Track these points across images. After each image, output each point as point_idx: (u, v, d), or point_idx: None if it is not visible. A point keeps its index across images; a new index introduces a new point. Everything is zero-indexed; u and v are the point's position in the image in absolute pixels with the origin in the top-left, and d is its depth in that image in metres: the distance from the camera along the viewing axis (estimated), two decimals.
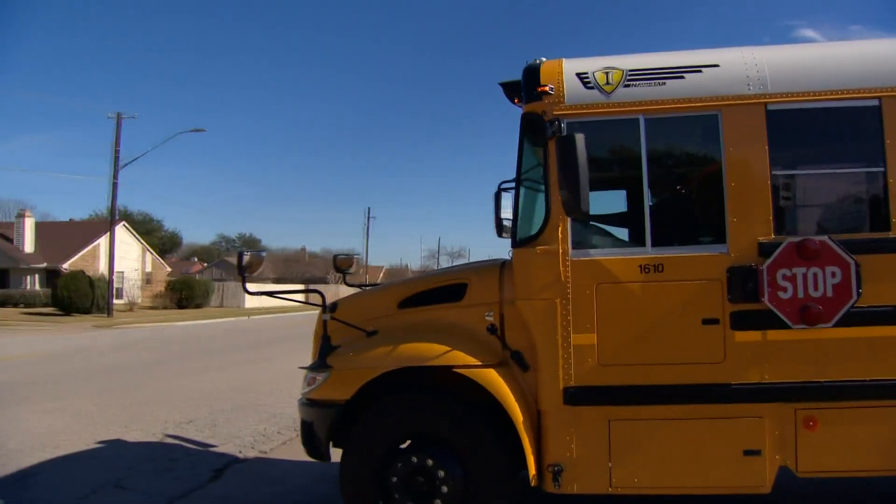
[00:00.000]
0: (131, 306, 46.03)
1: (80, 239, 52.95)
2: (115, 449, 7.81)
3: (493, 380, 4.50)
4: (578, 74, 4.61)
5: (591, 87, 4.57)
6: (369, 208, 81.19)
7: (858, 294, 4.19)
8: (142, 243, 58.74)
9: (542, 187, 4.64)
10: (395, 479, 4.58)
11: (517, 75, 4.83)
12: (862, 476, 4.79)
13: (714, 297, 4.38)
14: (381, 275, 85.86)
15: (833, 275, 4.21)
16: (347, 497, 4.73)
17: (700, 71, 4.54)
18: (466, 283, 4.97)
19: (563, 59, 4.75)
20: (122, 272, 49.82)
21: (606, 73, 4.59)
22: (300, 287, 40.02)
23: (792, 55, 4.66)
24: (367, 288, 5.99)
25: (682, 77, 4.53)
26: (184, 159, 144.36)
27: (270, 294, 5.56)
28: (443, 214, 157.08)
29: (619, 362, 4.46)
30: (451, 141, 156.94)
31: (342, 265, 6.40)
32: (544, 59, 4.76)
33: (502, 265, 4.96)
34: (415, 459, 4.57)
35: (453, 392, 4.70)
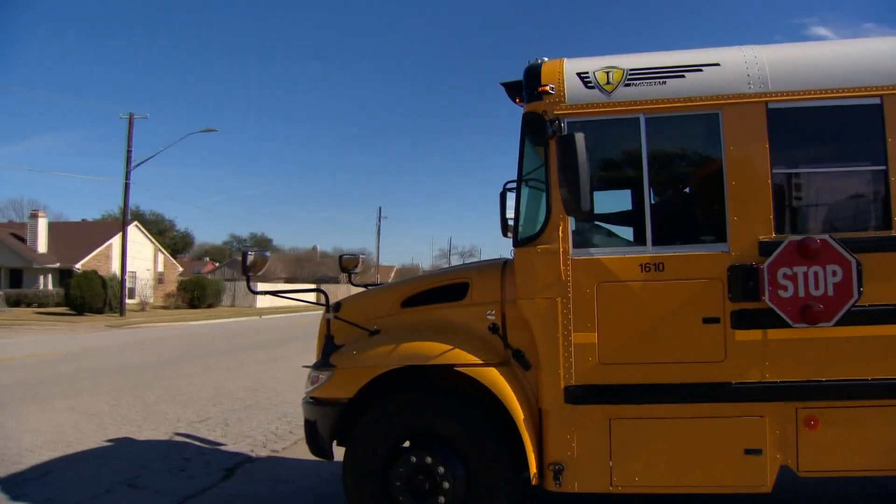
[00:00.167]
0: (143, 306, 46.33)
1: (93, 239, 53.41)
2: (127, 448, 7.87)
3: (495, 379, 4.52)
4: (579, 74, 4.62)
5: (592, 87, 4.58)
6: (381, 208, 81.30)
7: (860, 293, 4.18)
8: (154, 243, 59.13)
9: (544, 187, 4.66)
10: (396, 478, 4.61)
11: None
12: (863, 476, 4.78)
13: (715, 296, 4.38)
14: (393, 274, 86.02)
15: (834, 274, 4.20)
16: (350, 496, 4.77)
17: (701, 70, 4.53)
18: (468, 283, 4.99)
19: (565, 59, 4.76)
20: (135, 272, 50.21)
21: (607, 73, 4.60)
22: (310, 287, 40.26)
23: (792, 53, 4.64)
24: (372, 287, 6.02)
25: (683, 76, 4.53)
26: (196, 159, 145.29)
27: (274, 293, 5.60)
28: (454, 214, 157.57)
29: (619, 361, 4.46)
30: (462, 140, 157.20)
31: (347, 265, 6.45)
32: (546, 59, 4.78)
33: (504, 264, 4.98)
34: (414, 459, 4.60)
35: (455, 391, 4.73)
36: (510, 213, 5.75)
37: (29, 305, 44.44)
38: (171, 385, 12.62)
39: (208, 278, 58.36)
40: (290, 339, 23.45)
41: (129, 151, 38.93)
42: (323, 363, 4.89)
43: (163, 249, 61.45)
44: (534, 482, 4.53)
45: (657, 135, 4.58)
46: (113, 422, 9.27)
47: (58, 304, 43.18)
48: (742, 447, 4.36)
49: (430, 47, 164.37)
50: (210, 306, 51.74)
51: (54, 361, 16.66)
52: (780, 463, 4.37)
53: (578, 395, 4.47)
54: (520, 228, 4.82)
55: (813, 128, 4.61)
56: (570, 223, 4.55)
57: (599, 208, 4.81)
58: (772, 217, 4.37)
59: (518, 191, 4.80)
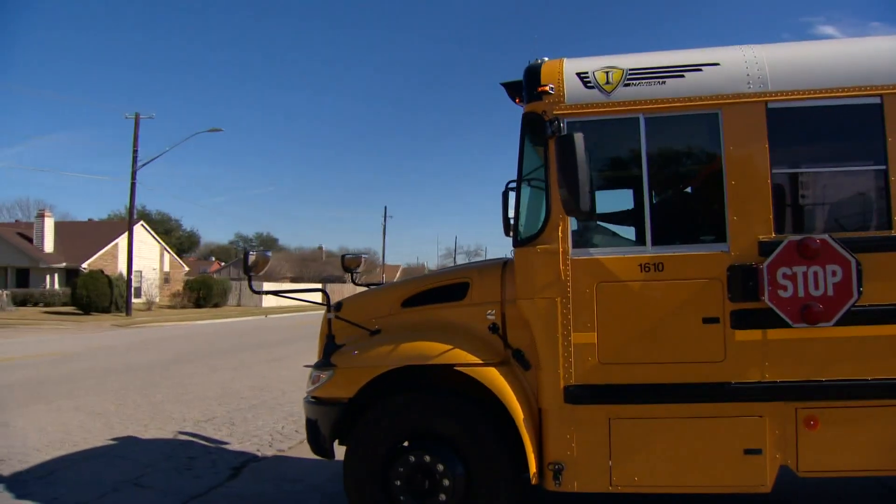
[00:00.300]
0: (150, 305, 46.53)
1: (99, 238, 53.64)
2: (133, 447, 7.90)
3: (495, 378, 4.52)
4: (579, 74, 4.63)
5: (592, 87, 4.58)
6: (386, 207, 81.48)
7: (859, 293, 4.17)
8: (160, 243, 59.34)
9: (544, 187, 4.66)
10: (396, 477, 4.63)
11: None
12: (863, 476, 4.77)
13: (714, 295, 4.37)
14: (398, 273, 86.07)
15: (834, 273, 4.19)
16: (351, 496, 4.78)
17: (700, 69, 4.53)
18: (468, 283, 5.00)
19: (564, 59, 4.76)
20: (141, 272, 50.40)
21: (607, 73, 4.60)
22: (312, 287, 40.27)
23: (792, 53, 4.63)
24: (373, 287, 6.04)
25: (683, 76, 4.52)
26: (202, 159, 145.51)
27: (276, 293, 5.62)
28: (460, 213, 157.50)
29: (619, 361, 4.47)
30: (468, 139, 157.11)
31: (350, 264, 6.48)
32: (546, 59, 4.78)
33: (504, 264, 4.98)
34: (412, 458, 4.61)
35: (455, 391, 4.74)
36: (512, 213, 5.76)
37: (35, 305, 44.66)
38: (177, 384, 12.68)
39: (214, 278, 58.59)
40: (296, 339, 23.49)
41: (135, 151, 39.17)
42: (324, 363, 4.90)
43: (169, 249, 61.64)
44: (533, 482, 4.54)
45: (657, 135, 4.58)
46: (119, 421, 9.31)
47: (64, 304, 43.38)
48: (742, 447, 4.36)
49: (436, 45, 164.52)
50: (216, 306, 51.90)
51: (60, 361, 16.75)
52: (779, 463, 4.37)
53: (578, 394, 4.47)
54: (520, 228, 4.81)
55: (813, 127, 4.60)
56: (570, 223, 4.55)
57: (599, 208, 4.81)
58: (771, 217, 4.36)
59: (518, 191, 4.80)
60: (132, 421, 9.32)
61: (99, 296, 39.49)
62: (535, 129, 4.65)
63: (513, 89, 5.15)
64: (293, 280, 75.82)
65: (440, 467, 4.56)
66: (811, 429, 4.33)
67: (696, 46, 4.82)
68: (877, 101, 4.35)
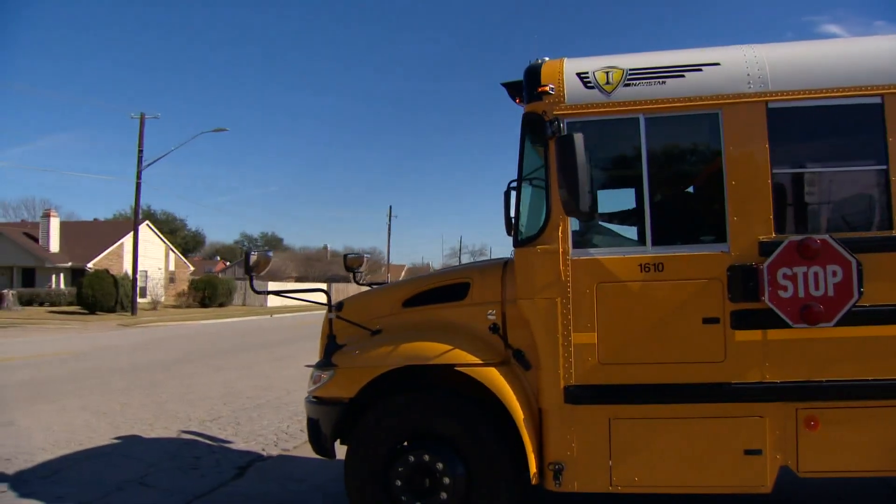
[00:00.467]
0: (155, 305, 46.66)
1: (105, 238, 53.85)
2: (138, 446, 7.93)
3: (495, 378, 4.53)
4: (579, 74, 4.63)
5: (592, 87, 4.58)
6: (391, 207, 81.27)
7: (860, 293, 4.15)
8: (165, 243, 59.51)
9: (544, 187, 4.67)
10: (397, 477, 4.64)
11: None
12: (864, 476, 4.76)
13: (714, 296, 4.37)
14: (403, 273, 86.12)
15: (834, 274, 4.18)
16: (352, 495, 4.80)
17: (700, 69, 4.52)
18: (469, 283, 5.01)
19: (565, 59, 4.76)
20: (146, 271, 50.55)
21: (607, 73, 4.60)
22: (314, 287, 40.28)
23: (793, 53, 4.62)
24: (375, 287, 6.05)
25: (683, 76, 4.52)
26: (207, 159, 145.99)
27: (278, 293, 5.63)
28: (465, 212, 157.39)
29: (619, 361, 4.47)
30: (473, 139, 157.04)
31: (352, 264, 6.52)
32: (546, 59, 4.78)
33: (505, 264, 4.99)
34: (412, 458, 4.62)
35: (456, 391, 4.75)
36: (513, 213, 5.76)
37: (41, 304, 44.85)
38: (182, 384, 12.72)
39: (219, 277, 58.70)
40: (300, 338, 23.51)
41: (140, 151, 39.22)
42: (325, 363, 4.92)
43: (174, 249, 61.84)
44: (534, 482, 4.55)
45: (657, 135, 4.58)
46: (124, 420, 9.35)
47: (70, 304, 43.55)
48: (742, 447, 4.35)
49: (440, 44, 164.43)
50: (221, 305, 52.02)
51: (66, 360, 16.82)
52: (780, 463, 4.36)
53: (578, 395, 4.47)
54: (521, 228, 4.82)
55: (813, 127, 4.59)
56: (570, 223, 4.55)
57: (600, 209, 4.83)
58: (772, 217, 4.35)
59: (518, 191, 4.81)
60: (137, 420, 9.35)
61: (104, 295, 39.62)
62: (535, 130, 4.66)
63: (513, 89, 5.15)
64: (298, 280, 75.92)
65: (440, 467, 4.56)
66: (811, 429, 4.32)
67: (698, 46, 4.82)
68: (877, 100, 4.34)
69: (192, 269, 65.92)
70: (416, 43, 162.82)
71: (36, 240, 51.50)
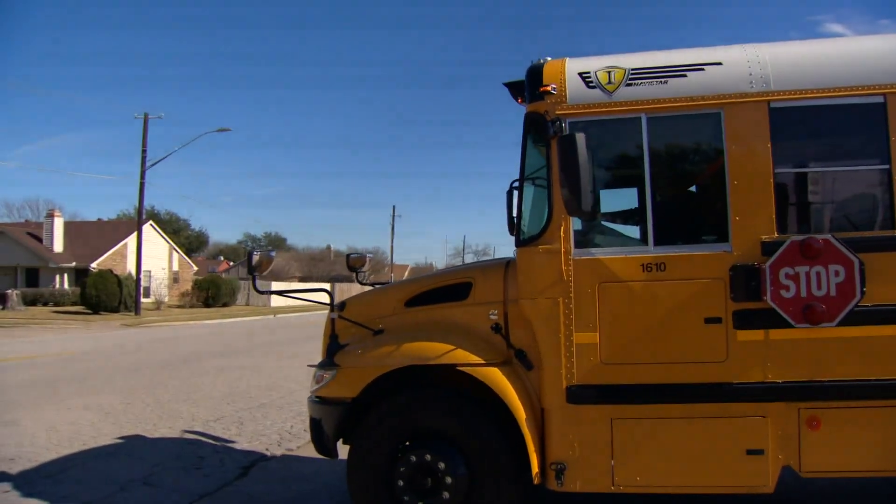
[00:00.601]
0: (158, 305, 46.73)
1: (109, 238, 54.01)
2: (142, 446, 7.94)
3: (497, 378, 4.53)
4: (581, 74, 4.62)
5: (594, 87, 4.58)
6: (394, 207, 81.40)
7: (862, 293, 4.14)
8: (169, 243, 59.65)
9: (546, 186, 4.67)
10: (399, 477, 4.64)
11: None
12: (866, 476, 4.74)
13: (717, 295, 4.36)
14: (407, 273, 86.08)
15: (837, 273, 4.17)
16: (355, 495, 4.80)
17: (702, 69, 4.52)
18: (471, 282, 5.01)
19: (567, 59, 4.76)
20: (150, 271, 50.61)
21: (609, 73, 4.59)
22: (316, 287, 40.31)
23: (795, 52, 4.61)
24: (377, 286, 6.06)
25: (685, 75, 4.52)
26: (210, 159, 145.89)
27: (280, 293, 5.64)
28: (468, 212, 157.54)
29: (621, 361, 4.47)
30: (476, 138, 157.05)
31: (355, 264, 6.54)
32: (548, 59, 4.78)
33: (507, 264, 4.99)
34: (414, 458, 4.62)
35: (458, 391, 4.75)
36: (516, 213, 5.76)
37: (45, 304, 44.96)
38: (186, 383, 12.73)
39: (223, 277, 58.79)
40: (304, 338, 23.48)
41: (143, 151, 39.33)
42: (327, 362, 4.93)
43: (178, 249, 62.00)
44: (536, 481, 4.55)
45: (659, 135, 4.57)
46: (128, 420, 9.36)
47: (74, 303, 43.63)
48: (744, 447, 4.34)
49: (443, 45, 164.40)
50: (225, 305, 52.06)
51: (70, 360, 16.87)
52: (782, 463, 4.35)
53: (580, 394, 4.47)
54: (523, 228, 4.82)
55: (815, 127, 4.58)
56: (572, 223, 4.55)
57: (601, 208, 4.83)
58: (774, 216, 4.34)
59: (520, 191, 4.81)
60: (141, 420, 9.37)
61: (108, 295, 39.66)
62: (537, 129, 4.66)
63: (515, 89, 5.15)
64: (302, 279, 76.00)
65: (442, 466, 4.57)
66: (814, 429, 4.31)
67: (701, 45, 4.82)
68: (880, 100, 4.32)
69: (195, 269, 66.08)
70: (417, 42, 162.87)
71: (40, 240, 51.64)
